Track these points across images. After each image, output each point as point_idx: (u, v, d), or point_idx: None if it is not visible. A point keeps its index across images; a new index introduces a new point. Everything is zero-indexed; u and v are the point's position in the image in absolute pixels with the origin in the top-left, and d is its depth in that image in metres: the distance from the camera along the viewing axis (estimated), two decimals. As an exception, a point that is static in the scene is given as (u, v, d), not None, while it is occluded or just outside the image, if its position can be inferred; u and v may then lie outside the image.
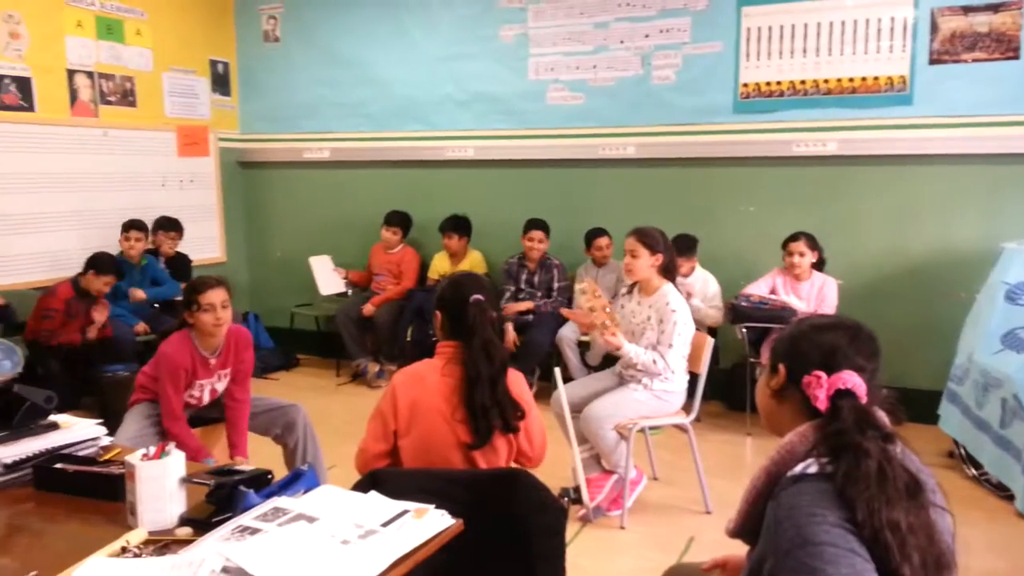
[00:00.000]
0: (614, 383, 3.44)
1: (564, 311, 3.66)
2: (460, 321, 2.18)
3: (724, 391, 4.72)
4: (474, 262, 5.37)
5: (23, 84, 4.62)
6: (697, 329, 3.43)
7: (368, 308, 5.41)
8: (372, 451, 2.18)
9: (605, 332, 3.21)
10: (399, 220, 5.57)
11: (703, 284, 4.59)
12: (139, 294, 4.81)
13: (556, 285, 5.06)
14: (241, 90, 6.17)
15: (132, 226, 4.91)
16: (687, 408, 3.40)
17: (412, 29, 5.58)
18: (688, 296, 4.07)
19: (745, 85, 4.74)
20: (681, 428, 3.44)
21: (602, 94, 5.11)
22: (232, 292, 3.01)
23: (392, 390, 2.18)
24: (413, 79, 5.63)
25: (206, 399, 3.06)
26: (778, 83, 4.66)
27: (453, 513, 1.62)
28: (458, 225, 5.34)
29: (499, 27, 5.32)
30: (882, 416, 1.35)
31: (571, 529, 3.03)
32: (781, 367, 1.43)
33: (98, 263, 4.35)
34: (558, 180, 5.33)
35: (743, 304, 4.31)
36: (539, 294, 5.09)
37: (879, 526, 1.17)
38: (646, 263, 3.29)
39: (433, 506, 1.62)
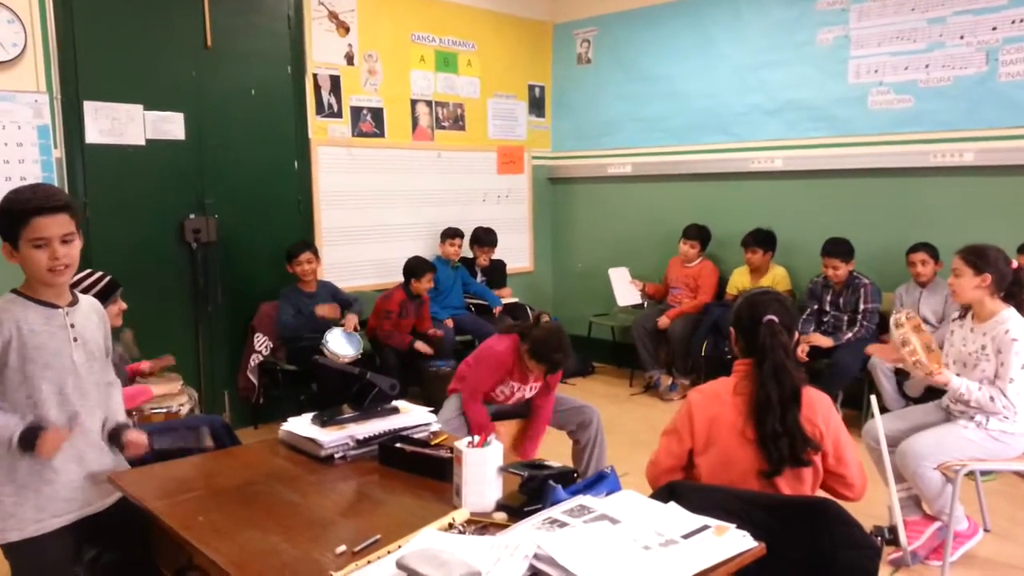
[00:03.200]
0: (939, 417, 3.07)
1: (869, 348, 3.16)
2: (752, 341, 2.11)
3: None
4: (777, 278, 5.13)
5: (376, 114, 5.37)
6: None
7: (663, 321, 5.43)
8: (664, 465, 2.19)
9: (926, 372, 2.88)
10: (698, 233, 5.51)
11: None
12: (448, 323, 5.29)
13: (863, 307, 4.59)
14: (554, 111, 6.55)
15: (454, 234, 5.49)
16: (1032, 454, 2.94)
17: (719, 40, 5.51)
18: None
19: None
20: (1023, 476, 2.98)
21: (935, 95, 4.61)
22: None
23: (688, 407, 2.17)
24: (717, 90, 5.56)
25: (514, 397, 3.31)
26: None
27: (754, 536, 1.59)
28: (762, 239, 5.14)
29: (816, 30, 5.04)
30: None
31: (882, 572, 2.77)
32: None
33: (416, 269, 4.90)
34: (878, 191, 4.91)
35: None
36: (845, 317, 4.69)
37: None
38: (969, 284, 2.91)
39: (734, 526, 1.60)
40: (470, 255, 5.77)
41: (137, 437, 2.24)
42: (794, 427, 2.01)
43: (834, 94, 5.01)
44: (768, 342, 2.07)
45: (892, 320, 3.01)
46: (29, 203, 1.95)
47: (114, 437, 2.24)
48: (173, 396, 3.32)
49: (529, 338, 3.09)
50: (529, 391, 3.30)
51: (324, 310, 4.59)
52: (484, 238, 5.72)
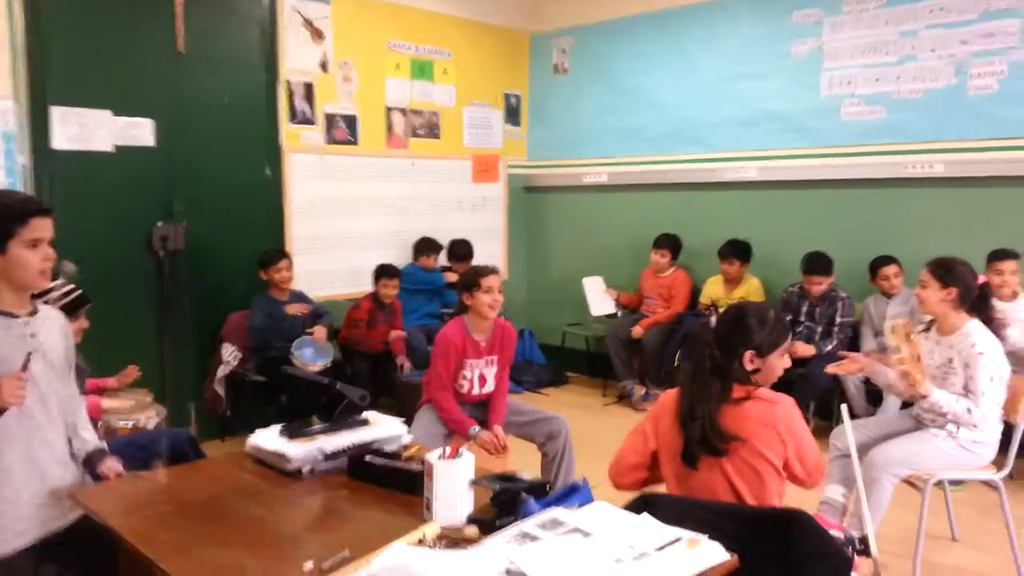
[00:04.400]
0: (909, 425, 3.10)
1: (829, 368, 3.17)
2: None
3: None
4: (751, 289, 5.16)
5: (350, 122, 5.33)
6: (1015, 371, 2.99)
7: (637, 330, 5.43)
8: (627, 462, 2.26)
9: (909, 383, 2.90)
10: (668, 242, 5.53)
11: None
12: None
13: (839, 321, 4.63)
14: (530, 120, 6.55)
15: (430, 247, 5.49)
16: (998, 463, 2.97)
17: (695, 51, 5.55)
18: (1001, 326, 3.52)
19: (1091, 92, 4.06)
20: (990, 485, 3.01)
21: (906, 107, 4.67)
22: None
23: (656, 410, 2.25)
24: (693, 101, 5.59)
25: (476, 384, 3.34)
26: None
27: (726, 548, 1.58)
28: (739, 250, 5.15)
29: (791, 43, 5.09)
30: None
31: (853, 583, 2.78)
32: None
33: (379, 274, 4.92)
34: (849, 201, 4.96)
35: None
36: (819, 328, 4.70)
37: None
38: (935, 296, 2.94)
39: (707, 537, 1.59)
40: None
41: (112, 466, 2.19)
42: (707, 416, 2.07)
43: (808, 105, 5.05)
44: (694, 341, 2.21)
45: (887, 326, 3.02)
46: (27, 203, 1.99)
47: (88, 463, 2.20)
48: (141, 409, 3.26)
49: (470, 294, 3.25)
50: (488, 367, 3.34)
51: (294, 308, 4.56)
52: (460, 251, 5.69)
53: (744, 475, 2.07)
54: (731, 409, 2.09)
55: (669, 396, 2.24)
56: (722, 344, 2.16)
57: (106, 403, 3.04)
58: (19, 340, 1.99)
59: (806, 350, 4.57)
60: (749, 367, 2.16)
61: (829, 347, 4.59)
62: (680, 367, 2.22)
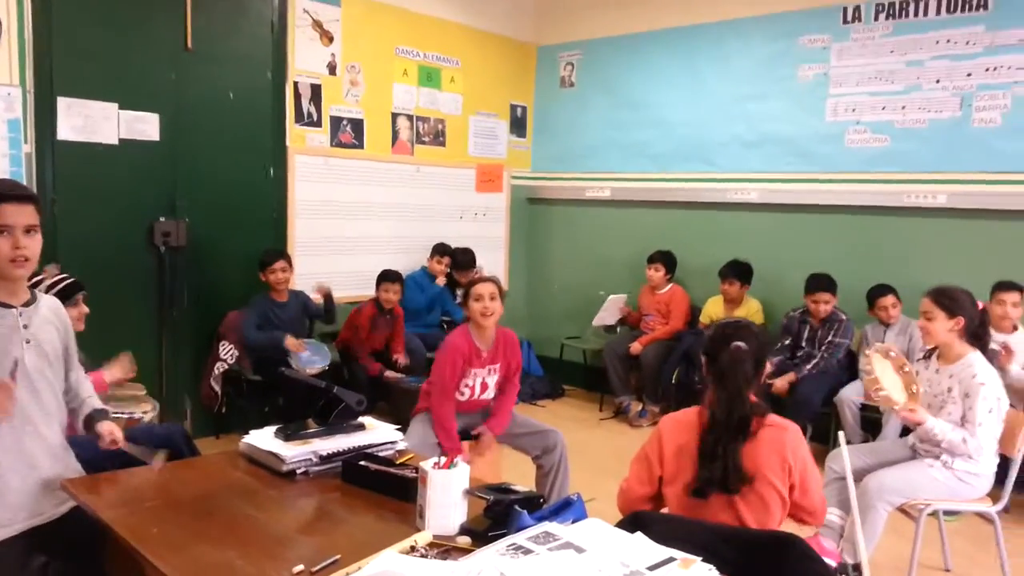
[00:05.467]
0: (905, 454, 3.10)
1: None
2: (717, 366, 2.12)
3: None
4: (751, 311, 5.15)
5: (356, 125, 5.34)
6: (1013, 405, 2.99)
7: (635, 347, 5.43)
8: (636, 493, 2.19)
9: (888, 405, 2.90)
10: (661, 258, 5.53)
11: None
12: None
13: (828, 339, 4.63)
14: (535, 132, 6.57)
15: (442, 252, 5.50)
16: (994, 495, 2.97)
17: (704, 71, 5.57)
18: (1005, 354, 3.54)
19: (1095, 129, 4.08)
20: (985, 517, 3.01)
21: (910, 137, 4.70)
22: (503, 294, 3.33)
23: (658, 435, 2.19)
24: (699, 120, 5.60)
25: (477, 390, 3.34)
26: None
27: (719, 570, 1.57)
28: (740, 271, 5.16)
29: (798, 67, 5.12)
30: None
31: (843, 609, 2.77)
32: None
33: (380, 279, 4.91)
34: (851, 228, 4.97)
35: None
36: (818, 353, 4.68)
37: None
38: (942, 327, 2.94)
39: (700, 558, 1.58)
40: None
41: (111, 428, 2.18)
42: (731, 455, 2.02)
43: (812, 130, 5.07)
44: (728, 368, 2.09)
45: (867, 353, 3.02)
46: None
47: (88, 424, 2.20)
48: (137, 402, 3.24)
49: (466, 304, 3.29)
50: (490, 375, 3.34)
51: (292, 344, 4.49)
52: (462, 259, 5.69)
53: (751, 504, 2.05)
54: (748, 443, 2.05)
55: (673, 420, 2.20)
56: (756, 366, 2.12)
57: (108, 376, 3.01)
58: (12, 331, 1.98)
59: (782, 384, 4.59)
60: (763, 376, 2.16)
61: (808, 367, 4.59)
62: (703, 395, 2.12)
